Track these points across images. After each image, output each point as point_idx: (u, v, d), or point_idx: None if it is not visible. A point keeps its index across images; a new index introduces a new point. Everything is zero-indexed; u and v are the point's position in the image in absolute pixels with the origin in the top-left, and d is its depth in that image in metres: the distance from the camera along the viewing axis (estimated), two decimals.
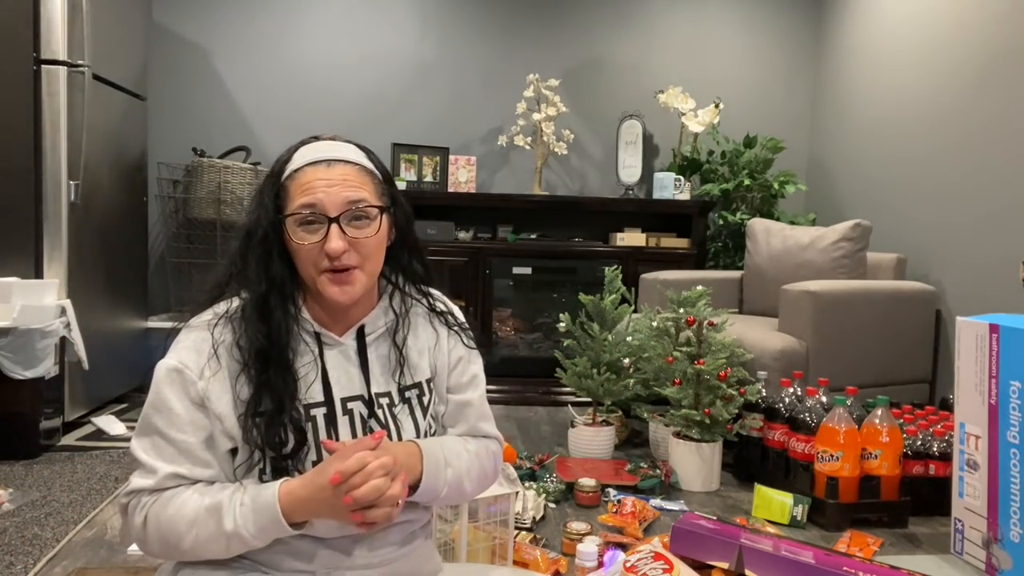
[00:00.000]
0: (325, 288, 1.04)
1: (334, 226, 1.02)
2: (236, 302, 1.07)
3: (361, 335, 1.12)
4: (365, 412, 1.09)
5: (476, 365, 1.23)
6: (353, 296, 1.05)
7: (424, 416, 1.15)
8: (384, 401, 1.11)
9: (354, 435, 1.09)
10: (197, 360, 1.03)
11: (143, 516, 1.02)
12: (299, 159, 1.07)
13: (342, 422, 1.08)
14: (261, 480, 1.04)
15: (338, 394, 1.08)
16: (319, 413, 1.07)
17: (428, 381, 1.17)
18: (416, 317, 1.18)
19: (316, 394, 1.07)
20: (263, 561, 1.06)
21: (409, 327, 1.16)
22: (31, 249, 2.67)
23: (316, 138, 1.11)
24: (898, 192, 3.44)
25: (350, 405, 1.09)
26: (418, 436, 1.13)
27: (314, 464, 1.06)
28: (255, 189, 1.19)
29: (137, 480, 1.03)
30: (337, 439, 1.07)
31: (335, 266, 1.03)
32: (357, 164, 1.08)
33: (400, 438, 1.11)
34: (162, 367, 1.04)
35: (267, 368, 1.03)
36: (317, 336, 1.09)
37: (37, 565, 1.77)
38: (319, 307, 1.10)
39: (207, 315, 1.07)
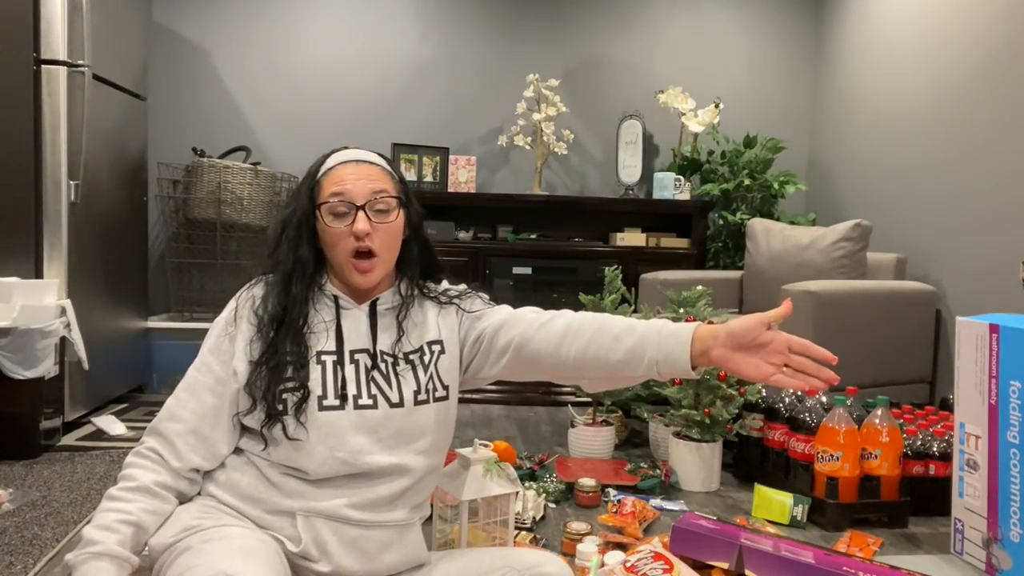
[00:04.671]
0: (351, 274, 1.26)
1: (360, 212, 1.23)
2: (267, 279, 1.30)
3: (373, 306, 1.31)
4: (369, 363, 1.27)
5: (479, 303, 1.40)
6: (372, 281, 1.27)
7: (425, 372, 1.30)
8: (388, 359, 1.28)
9: (358, 381, 1.24)
10: (228, 316, 1.29)
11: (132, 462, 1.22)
12: (332, 160, 1.30)
13: (349, 369, 1.25)
14: (260, 429, 1.20)
15: (348, 346, 1.27)
16: (329, 359, 1.24)
17: (431, 343, 1.32)
18: (426, 299, 1.37)
19: (330, 344, 1.26)
20: (251, 495, 1.19)
21: (414, 309, 1.33)
22: (31, 249, 2.67)
23: (346, 147, 1.34)
24: (898, 192, 3.44)
25: (356, 356, 1.27)
26: (418, 391, 1.27)
27: (318, 398, 1.20)
28: (294, 187, 1.43)
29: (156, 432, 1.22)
30: (343, 381, 1.24)
31: (360, 247, 1.23)
32: (380, 166, 1.31)
33: (400, 391, 1.26)
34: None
35: (278, 332, 1.23)
36: (336, 300, 1.29)
37: (37, 565, 1.77)
38: (343, 285, 1.31)
39: (248, 284, 1.32)
